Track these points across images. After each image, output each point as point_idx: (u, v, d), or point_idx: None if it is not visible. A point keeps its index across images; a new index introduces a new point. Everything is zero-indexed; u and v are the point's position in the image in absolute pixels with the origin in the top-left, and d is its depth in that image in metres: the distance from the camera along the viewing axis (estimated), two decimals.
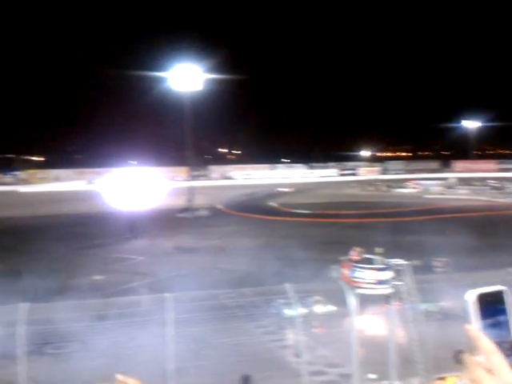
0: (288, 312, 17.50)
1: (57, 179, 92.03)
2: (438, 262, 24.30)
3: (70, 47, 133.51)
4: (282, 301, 18.40)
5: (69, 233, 39.31)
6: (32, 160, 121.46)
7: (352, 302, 14.34)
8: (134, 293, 21.66)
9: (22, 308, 13.31)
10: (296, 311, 14.62)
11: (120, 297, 21.08)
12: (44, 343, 16.03)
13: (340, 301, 16.45)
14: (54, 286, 23.19)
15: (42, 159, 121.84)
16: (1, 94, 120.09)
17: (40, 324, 14.24)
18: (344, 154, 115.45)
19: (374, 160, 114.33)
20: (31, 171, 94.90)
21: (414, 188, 75.10)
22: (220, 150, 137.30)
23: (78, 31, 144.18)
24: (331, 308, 19.34)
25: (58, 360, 15.48)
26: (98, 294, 21.22)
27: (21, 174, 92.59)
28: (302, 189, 77.72)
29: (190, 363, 13.94)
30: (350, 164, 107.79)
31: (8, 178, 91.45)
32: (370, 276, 21.25)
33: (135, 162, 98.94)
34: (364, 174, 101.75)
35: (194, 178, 65.19)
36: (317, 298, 19.50)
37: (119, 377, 1.39)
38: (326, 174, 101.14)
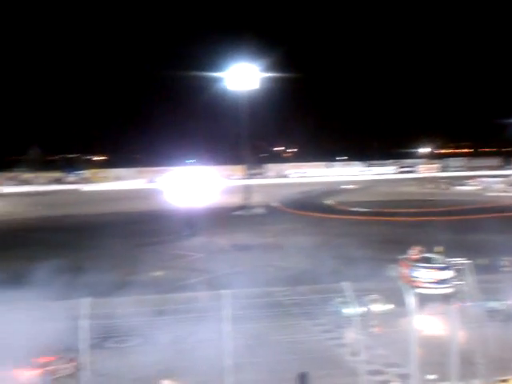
0: (346, 311, 17.36)
1: (118, 178, 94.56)
2: (506, 262, 23.48)
3: (130, 49, 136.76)
4: (339, 299, 18.25)
5: (129, 230, 40.31)
6: (94, 160, 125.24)
7: (411, 301, 14.08)
8: (191, 289, 21.96)
9: (85, 303, 13.73)
10: (354, 310, 14.49)
11: (178, 293, 21.48)
12: (105, 337, 16.47)
13: (398, 300, 16.19)
14: (114, 282, 23.85)
15: (104, 159, 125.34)
16: (64, 95, 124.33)
17: (102, 318, 14.66)
18: (402, 151, 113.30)
19: (433, 157, 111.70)
20: (93, 170, 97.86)
21: (475, 185, 72.97)
22: (276, 148, 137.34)
23: (137, 33, 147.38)
24: (389, 307, 19.05)
25: (119, 354, 15.89)
26: (157, 289, 21.70)
27: (83, 174, 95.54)
28: (359, 187, 76.83)
29: (247, 359, 14.01)
30: (409, 161, 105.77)
31: (71, 177, 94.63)
32: (430, 275, 20.82)
33: (193, 161, 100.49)
34: (423, 171, 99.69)
35: (250, 176, 65.50)
36: (374, 296, 19.25)
37: (165, 382, 1.39)
38: (383, 172, 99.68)
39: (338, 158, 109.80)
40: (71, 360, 14.61)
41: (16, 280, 20.01)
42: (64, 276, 24.34)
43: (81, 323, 13.25)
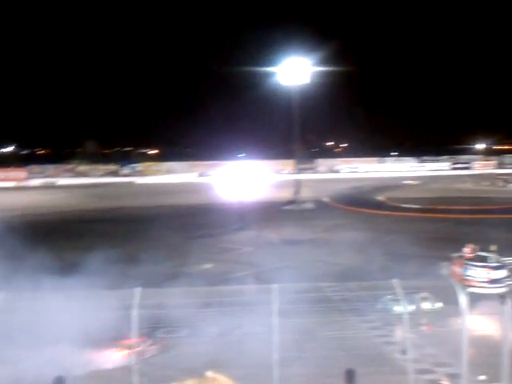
0: (396, 308, 17.15)
1: (170, 171, 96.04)
2: None
3: (185, 44, 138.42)
4: (389, 296, 18.06)
5: (180, 222, 40.94)
6: (148, 153, 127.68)
7: (463, 300, 13.77)
8: (239, 282, 22.16)
9: (136, 292, 14.06)
10: (404, 307, 14.30)
11: (226, 286, 21.69)
12: (156, 327, 16.80)
13: (449, 299, 15.86)
14: (165, 273, 24.31)
15: (157, 152, 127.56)
16: (121, 90, 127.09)
17: (152, 309, 14.96)
18: (457, 147, 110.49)
19: (489, 153, 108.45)
20: (146, 164, 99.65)
21: None
22: (327, 143, 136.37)
23: (191, 29, 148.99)
24: (438, 305, 18.70)
25: (168, 344, 16.20)
26: (205, 281, 21.97)
27: (137, 167, 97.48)
28: (411, 183, 75.47)
29: (294, 354, 14.05)
30: (464, 157, 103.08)
31: (126, 170, 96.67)
32: (483, 274, 20.30)
33: (243, 155, 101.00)
34: (478, 167, 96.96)
35: (300, 171, 65.34)
36: (424, 294, 18.94)
37: (209, 373, 1.42)
38: (437, 168, 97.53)
39: (391, 154, 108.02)
40: (153, 343, 16.01)
41: (73, 269, 20.61)
42: (117, 266, 25.01)
43: (132, 313, 13.59)
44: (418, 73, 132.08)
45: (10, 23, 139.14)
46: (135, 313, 13.67)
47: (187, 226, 39.28)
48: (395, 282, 14.46)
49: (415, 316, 16.20)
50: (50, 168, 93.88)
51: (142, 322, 13.71)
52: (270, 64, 62.83)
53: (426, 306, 18.66)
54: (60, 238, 35.32)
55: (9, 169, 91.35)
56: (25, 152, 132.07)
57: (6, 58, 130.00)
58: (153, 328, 16.38)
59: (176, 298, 15.80)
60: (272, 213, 45.53)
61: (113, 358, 15.65)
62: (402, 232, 36.24)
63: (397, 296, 14.45)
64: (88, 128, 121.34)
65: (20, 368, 13.76)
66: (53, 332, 15.06)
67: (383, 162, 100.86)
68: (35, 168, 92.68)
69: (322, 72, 64.63)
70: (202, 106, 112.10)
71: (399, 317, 14.47)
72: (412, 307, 16.64)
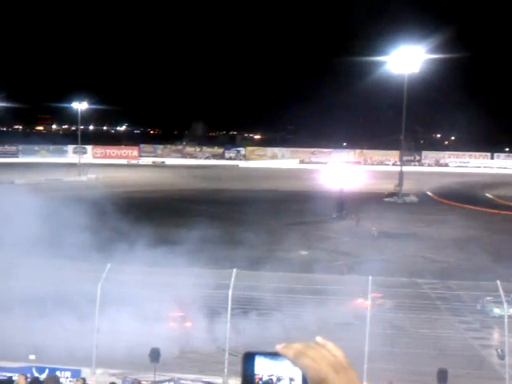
0: (497, 311, 16.51)
1: (273, 157, 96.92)
2: None
3: (295, 33, 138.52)
4: (489, 298, 17.39)
5: (280, 208, 41.36)
6: (252, 137, 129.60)
7: None
8: (334, 271, 22.14)
9: (233, 273, 14.55)
10: (505, 310, 13.74)
11: (323, 274, 21.75)
12: (250, 308, 17.21)
13: None
14: (261, 257, 24.82)
15: (261, 137, 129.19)
16: (230, 77, 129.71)
17: (247, 290, 15.38)
18: None
19: None
20: (250, 148, 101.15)
21: None
22: (435, 135, 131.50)
23: (306, 19, 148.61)
24: None
25: (259, 327, 16.56)
26: (301, 268, 22.17)
27: (241, 151, 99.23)
28: None
29: (386, 348, 13.96)
30: None
31: (231, 153, 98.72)
32: None
33: (347, 144, 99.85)
34: None
35: (405, 162, 63.62)
36: None
37: (319, 339, 1.50)
38: None
39: (504, 149, 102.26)
40: None
41: (171, 246, 21.55)
42: (215, 246, 25.85)
43: (229, 292, 14.08)
44: None
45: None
46: (230, 293, 14.16)
47: (287, 212, 39.62)
48: (499, 283, 13.91)
49: None
50: (160, 148, 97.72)
51: (237, 301, 14.20)
52: (381, 53, 61.42)
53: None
54: (163, 216, 36.85)
55: (121, 147, 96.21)
56: (137, 131, 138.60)
57: (122, 40, 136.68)
58: (247, 309, 16.81)
59: (271, 282, 16.16)
60: (373, 204, 44.79)
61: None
62: (509, 232, 34.43)
63: (498, 298, 13.90)
64: (197, 110, 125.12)
65: (118, 338, 14.62)
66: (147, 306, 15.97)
67: (495, 157, 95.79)
68: (146, 147, 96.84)
69: (434, 60, 62.29)
70: (309, 94, 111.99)
71: (499, 320, 13.94)
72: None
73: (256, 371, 1.46)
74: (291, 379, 1.45)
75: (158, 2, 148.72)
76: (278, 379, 1.46)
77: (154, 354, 14.06)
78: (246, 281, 15.46)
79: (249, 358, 1.47)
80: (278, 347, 1.42)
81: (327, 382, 1.35)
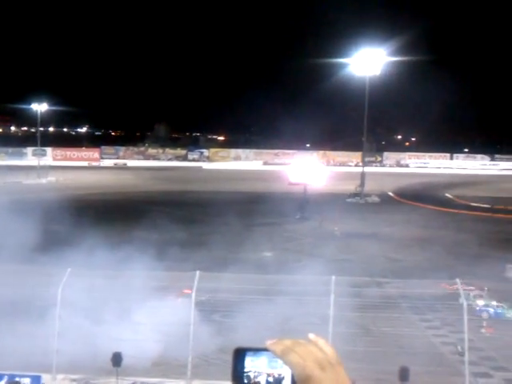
0: (479, 302, 17.02)
1: (237, 158, 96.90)
2: None
3: (256, 35, 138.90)
4: (473, 293, 17.74)
5: (243, 209, 41.30)
6: (216, 139, 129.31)
7: None
8: (297, 272, 22.21)
9: (195, 275, 14.45)
10: (465, 305, 14.05)
11: (286, 274, 21.81)
12: (213, 310, 17.13)
13: None
14: (223, 258, 24.71)
15: (224, 139, 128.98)
16: (192, 77, 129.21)
17: (210, 292, 15.30)
18: None
19: None
20: (214, 150, 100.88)
21: None
22: (396, 136, 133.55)
23: (262, 19, 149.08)
24: (494, 303, 18.18)
25: (223, 328, 16.49)
26: (264, 269, 22.18)
27: (205, 152, 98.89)
28: (481, 181, 72.98)
29: (348, 347, 14.04)
30: None
31: (195, 155, 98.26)
32: None
33: (310, 146, 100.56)
34: None
35: (367, 163, 64.46)
36: (477, 292, 18.43)
37: (311, 335, 1.48)
38: (510, 167, 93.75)
39: (463, 150, 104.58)
40: None
41: (138, 249, 21.25)
42: (177, 248, 25.63)
43: (191, 295, 13.96)
44: (497, 67, 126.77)
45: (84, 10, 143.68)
46: (193, 295, 14.04)
47: (251, 213, 39.59)
48: (458, 281, 14.18)
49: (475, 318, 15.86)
50: (122, 149, 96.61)
51: (200, 304, 14.11)
52: (344, 55, 62.02)
53: (481, 303, 18.22)
54: (124, 218, 36.33)
55: (82, 149, 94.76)
56: (98, 133, 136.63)
57: (83, 41, 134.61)
58: (210, 311, 16.73)
59: (233, 284, 16.11)
60: (336, 204, 45.16)
61: None
62: (469, 231, 35.19)
63: (481, 293, 14.20)
64: (160, 111, 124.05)
65: (79, 342, 14.37)
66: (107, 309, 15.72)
67: (454, 158, 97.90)
68: (107, 149, 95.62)
69: (395, 62, 63.24)
70: (273, 96, 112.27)
71: (459, 318, 14.19)
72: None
73: (246, 367, 1.45)
74: (280, 376, 1.44)
75: (115, 3, 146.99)
76: (268, 376, 1.44)
77: (116, 359, 13.84)
78: (209, 283, 15.38)
79: (239, 354, 1.46)
80: (268, 343, 1.40)
81: (312, 378, 1.33)
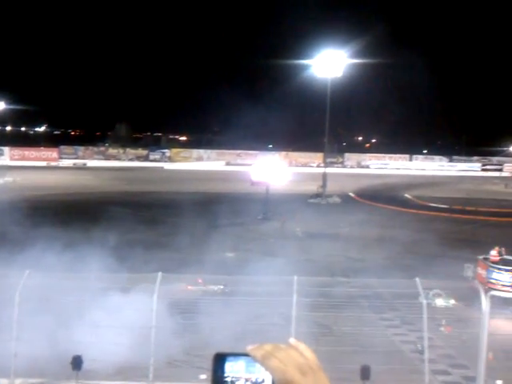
0: (439, 302, 17.30)
1: (199, 158, 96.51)
2: None
3: (218, 36, 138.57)
4: (433, 292, 18.03)
5: (205, 210, 41.16)
6: (177, 139, 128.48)
7: (485, 303, 13.65)
8: (260, 272, 22.24)
9: (157, 277, 14.28)
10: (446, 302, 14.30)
11: (247, 275, 21.80)
12: (174, 313, 16.98)
13: (471, 301, 15.75)
14: (187, 260, 24.55)
15: (186, 139, 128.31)
16: (154, 75, 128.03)
17: (171, 293, 15.17)
18: (490, 149, 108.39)
19: None
20: (176, 150, 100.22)
21: None
22: (357, 137, 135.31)
23: (224, 19, 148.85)
24: (452, 302, 18.60)
25: (185, 329, 16.37)
26: (226, 270, 22.12)
27: (167, 152, 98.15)
28: (440, 182, 74.58)
29: (309, 347, 14.12)
30: (495, 159, 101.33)
31: (156, 155, 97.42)
32: (508, 278, 20.05)
33: (272, 147, 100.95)
34: (510, 170, 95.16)
35: (328, 164, 65.08)
36: (436, 291, 18.81)
37: (292, 340, 1.48)
38: (467, 168, 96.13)
39: (422, 151, 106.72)
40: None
41: (98, 251, 20.90)
42: (139, 250, 25.33)
43: (153, 297, 13.80)
44: (455, 70, 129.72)
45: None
46: (155, 297, 13.89)
47: (213, 214, 39.44)
48: (417, 280, 14.41)
49: (434, 316, 16.15)
50: (81, 149, 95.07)
51: (161, 306, 13.95)
52: (306, 56, 62.45)
53: (440, 302, 18.59)
54: (83, 219, 35.71)
55: (40, 148, 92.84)
56: (57, 132, 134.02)
57: (40, 39, 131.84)
58: (171, 313, 16.57)
59: (195, 285, 16.03)
60: (298, 205, 45.44)
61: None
62: (428, 231, 35.88)
63: (440, 291, 14.43)
64: (120, 111, 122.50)
65: (40, 346, 14.06)
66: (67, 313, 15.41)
67: (413, 159, 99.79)
68: (66, 149, 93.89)
69: (356, 64, 64.05)
70: (235, 96, 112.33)
71: (418, 316, 14.42)
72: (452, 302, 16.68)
73: (226, 373, 1.44)
74: (258, 381, 1.42)
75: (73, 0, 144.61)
76: (248, 381, 1.43)
77: (76, 362, 13.60)
78: (171, 284, 15.25)
79: (219, 359, 1.45)
80: (248, 348, 1.39)
81: (294, 383, 1.33)
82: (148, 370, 13.96)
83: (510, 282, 20.45)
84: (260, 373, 1.44)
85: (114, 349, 15.01)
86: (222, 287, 18.01)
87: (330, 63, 56.95)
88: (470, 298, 16.01)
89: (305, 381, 1.36)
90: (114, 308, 15.80)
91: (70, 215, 37.10)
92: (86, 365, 13.65)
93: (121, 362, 14.71)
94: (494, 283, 20.56)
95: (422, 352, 14.03)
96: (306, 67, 62.22)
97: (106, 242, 22.30)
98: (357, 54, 62.64)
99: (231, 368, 1.46)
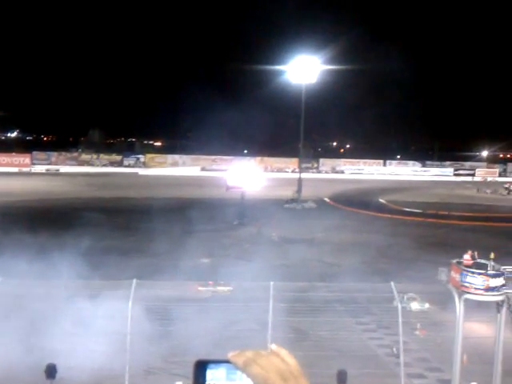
0: (413, 305, 17.40)
1: (173, 164, 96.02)
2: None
3: (193, 41, 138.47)
4: (407, 295, 18.15)
5: (181, 216, 40.93)
6: (152, 144, 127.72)
7: (459, 307, 13.80)
8: (236, 278, 22.17)
9: (132, 284, 14.11)
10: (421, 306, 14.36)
11: (224, 281, 21.72)
12: (151, 319, 16.81)
13: (445, 305, 15.91)
14: (162, 266, 24.34)
15: (161, 144, 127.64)
16: (128, 81, 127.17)
17: (147, 300, 15.02)
18: (463, 154, 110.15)
19: (493, 161, 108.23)
20: (150, 155, 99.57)
21: None
22: (332, 143, 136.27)
23: (205, 26, 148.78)
24: (426, 306, 18.78)
25: (163, 336, 16.21)
26: (203, 276, 22.00)
27: (141, 158, 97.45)
28: (413, 187, 75.44)
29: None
30: (467, 164, 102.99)
31: (130, 160, 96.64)
32: (481, 282, 20.29)
33: (247, 152, 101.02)
34: (481, 175, 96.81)
35: (303, 170, 65.33)
36: (411, 294, 18.99)
37: (273, 346, 1.46)
38: (440, 173, 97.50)
39: (396, 157, 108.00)
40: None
41: (73, 258, 20.61)
42: (114, 257, 25.08)
43: (129, 304, 13.62)
44: (428, 76, 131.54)
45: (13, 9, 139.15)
46: (130, 303, 13.72)
47: (188, 220, 39.21)
48: (392, 284, 14.49)
49: (410, 320, 16.26)
50: (54, 155, 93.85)
51: (139, 313, 13.77)
52: (281, 62, 62.69)
53: (415, 306, 18.76)
54: (56, 226, 35.17)
55: (12, 154, 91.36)
56: (29, 138, 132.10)
57: (12, 43, 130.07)
58: (149, 320, 16.41)
59: (172, 291, 15.88)
60: (273, 210, 45.50)
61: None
62: (402, 235, 36.23)
63: (414, 295, 14.52)
64: (93, 116, 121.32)
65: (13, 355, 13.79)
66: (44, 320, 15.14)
67: (387, 164, 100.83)
68: (39, 154, 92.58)
69: (331, 70, 64.48)
70: (210, 102, 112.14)
71: (394, 320, 14.50)
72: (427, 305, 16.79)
73: (208, 380, 1.42)
74: None
75: (44, 6, 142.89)
76: None
77: (50, 370, 13.34)
78: (146, 291, 15.08)
79: (200, 367, 1.42)
80: (230, 355, 1.36)
81: None
82: (124, 377, 13.76)
83: (484, 286, 20.68)
84: (241, 380, 1.42)
85: (89, 356, 14.78)
86: (231, 289, 18.02)
87: (304, 69, 57.27)
88: (444, 301, 16.15)
89: None
90: (87, 315, 15.59)
91: (42, 222, 36.52)
92: (60, 373, 13.40)
93: (96, 369, 14.49)
94: (467, 287, 20.75)
95: (397, 356, 14.10)
96: (280, 73, 62.45)
97: (79, 249, 21.99)
98: (331, 60, 63.14)
99: (212, 375, 1.44)
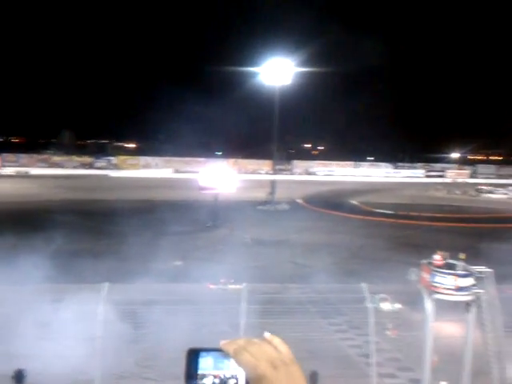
0: (383, 306, 17.48)
1: (146, 166, 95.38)
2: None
3: (166, 42, 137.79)
4: (378, 296, 18.22)
5: (152, 218, 40.66)
6: (124, 146, 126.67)
7: (429, 306, 13.94)
8: (209, 280, 22.06)
9: (103, 287, 13.91)
10: (392, 306, 14.45)
11: (195, 283, 21.58)
12: (124, 322, 16.61)
13: (416, 305, 16.03)
14: (134, 269, 24.10)
15: (133, 146, 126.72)
16: (99, 82, 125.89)
17: (120, 304, 14.82)
18: (432, 155, 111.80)
19: (463, 163, 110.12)
20: (122, 157, 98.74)
21: (504, 194, 71.79)
22: (304, 145, 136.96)
23: (177, 28, 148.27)
24: (398, 306, 18.95)
25: (134, 340, 16.04)
26: (174, 279, 21.82)
27: (113, 160, 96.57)
28: (385, 188, 76.19)
29: None
30: (438, 165, 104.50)
31: (101, 162, 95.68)
32: (451, 282, 20.53)
33: (220, 154, 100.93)
34: (452, 176, 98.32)
35: (276, 171, 65.50)
36: (382, 295, 19.14)
37: (266, 334, 1.44)
38: (411, 175, 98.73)
39: (368, 158, 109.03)
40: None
41: (41, 261, 20.27)
42: (84, 260, 24.74)
43: (100, 308, 13.42)
44: (398, 79, 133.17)
45: None
46: (102, 308, 13.52)
47: (160, 222, 38.97)
48: (363, 285, 14.56)
49: (381, 320, 16.35)
50: (24, 157, 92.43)
51: (110, 317, 13.57)
52: (254, 64, 62.79)
53: (386, 306, 18.91)
54: (25, 229, 34.58)
55: None
56: None
57: None
58: (120, 323, 16.21)
59: (143, 294, 15.70)
60: (246, 212, 45.52)
61: None
62: (373, 236, 36.56)
63: (386, 296, 14.61)
64: (64, 118, 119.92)
65: None
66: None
67: (359, 166, 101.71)
68: (8, 156, 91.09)
69: (304, 73, 64.81)
70: (182, 103, 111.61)
71: (365, 321, 14.57)
72: (398, 306, 16.88)
73: (200, 369, 1.45)
74: (226, 377, 1.39)
75: (17, 6, 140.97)
76: (216, 378, 1.39)
77: (19, 376, 13.08)
78: (118, 295, 14.86)
79: (193, 355, 1.46)
80: (221, 343, 1.35)
81: (266, 378, 1.29)
82: (94, 382, 13.56)
83: (453, 286, 20.94)
84: (229, 369, 1.42)
85: (59, 361, 14.52)
86: (241, 287, 17.93)
87: (277, 71, 57.43)
88: (415, 301, 16.29)
89: (276, 375, 1.33)
90: (57, 319, 15.31)
91: (10, 224, 35.85)
92: (29, 379, 13.14)
93: (67, 374, 14.24)
94: (437, 287, 20.98)
95: (367, 356, 14.18)
96: (254, 75, 62.52)
97: (48, 252, 21.63)
98: (304, 63, 63.49)
99: (207, 365, 1.42)
